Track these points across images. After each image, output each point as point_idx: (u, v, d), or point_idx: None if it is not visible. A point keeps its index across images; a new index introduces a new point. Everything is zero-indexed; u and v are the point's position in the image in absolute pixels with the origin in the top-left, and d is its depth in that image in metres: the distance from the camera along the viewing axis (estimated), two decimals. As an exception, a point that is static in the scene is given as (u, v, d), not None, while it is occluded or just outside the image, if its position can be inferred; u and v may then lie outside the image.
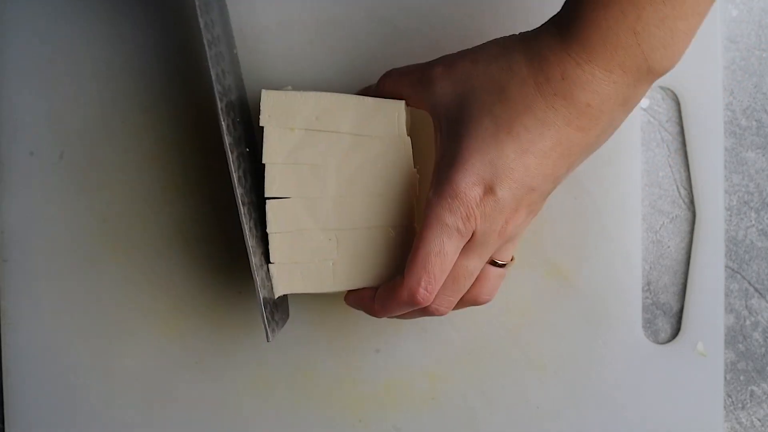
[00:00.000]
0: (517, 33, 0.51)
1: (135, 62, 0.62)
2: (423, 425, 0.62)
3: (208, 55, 0.54)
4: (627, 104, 0.49)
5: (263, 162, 0.55)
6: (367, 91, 0.57)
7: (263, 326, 0.54)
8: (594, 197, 0.61)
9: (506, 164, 0.49)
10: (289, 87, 0.57)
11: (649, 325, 0.63)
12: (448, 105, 0.51)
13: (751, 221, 0.63)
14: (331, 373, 0.62)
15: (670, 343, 0.62)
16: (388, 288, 0.53)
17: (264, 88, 0.55)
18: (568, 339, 0.62)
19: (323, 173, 0.55)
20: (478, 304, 0.55)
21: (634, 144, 0.62)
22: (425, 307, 0.52)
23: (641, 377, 0.62)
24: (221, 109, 0.54)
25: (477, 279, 0.53)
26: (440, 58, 0.53)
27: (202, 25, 0.54)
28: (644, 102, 0.62)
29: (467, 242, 0.50)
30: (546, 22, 0.49)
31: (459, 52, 0.52)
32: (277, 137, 0.55)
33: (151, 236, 0.62)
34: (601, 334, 0.62)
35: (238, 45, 0.62)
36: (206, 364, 0.62)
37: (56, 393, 0.63)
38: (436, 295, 0.52)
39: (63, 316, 0.63)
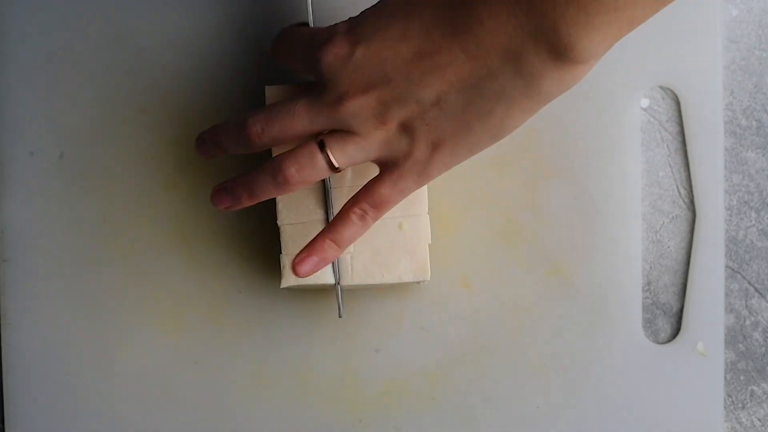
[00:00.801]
0: None
1: (135, 62, 0.62)
2: (423, 425, 0.62)
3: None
4: (520, 62, 0.45)
5: (272, 157, 0.55)
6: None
7: (337, 302, 0.56)
8: (594, 197, 0.61)
9: (374, 32, 0.48)
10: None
11: (649, 325, 0.63)
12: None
13: (751, 221, 0.63)
14: (331, 373, 0.62)
15: (670, 343, 0.62)
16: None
17: (266, 85, 0.56)
18: (568, 339, 0.62)
19: None
20: (276, 175, 0.52)
21: (634, 144, 0.62)
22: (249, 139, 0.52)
23: (641, 377, 0.62)
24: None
25: (293, 150, 0.52)
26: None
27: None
28: (644, 102, 0.62)
29: (315, 85, 0.50)
30: None
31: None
32: None
33: (151, 236, 0.62)
34: (601, 334, 0.62)
35: (237, 45, 0.62)
36: (206, 364, 0.62)
37: (56, 393, 0.63)
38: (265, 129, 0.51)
39: (63, 316, 0.63)
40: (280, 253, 0.57)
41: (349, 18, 0.51)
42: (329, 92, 0.50)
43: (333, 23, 0.51)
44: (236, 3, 0.62)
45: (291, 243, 0.56)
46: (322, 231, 0.54)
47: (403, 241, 0.56)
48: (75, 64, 0.62)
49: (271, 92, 0.56)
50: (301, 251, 0.54)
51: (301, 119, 0.51)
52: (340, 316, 0.56)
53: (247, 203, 0.54)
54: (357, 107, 0.49)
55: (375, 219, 0.52)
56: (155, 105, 0.62)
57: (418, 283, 0.58)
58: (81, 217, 0.63)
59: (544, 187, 0.61)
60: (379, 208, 0.52)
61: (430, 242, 0.57)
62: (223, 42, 0.62)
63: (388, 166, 0.51)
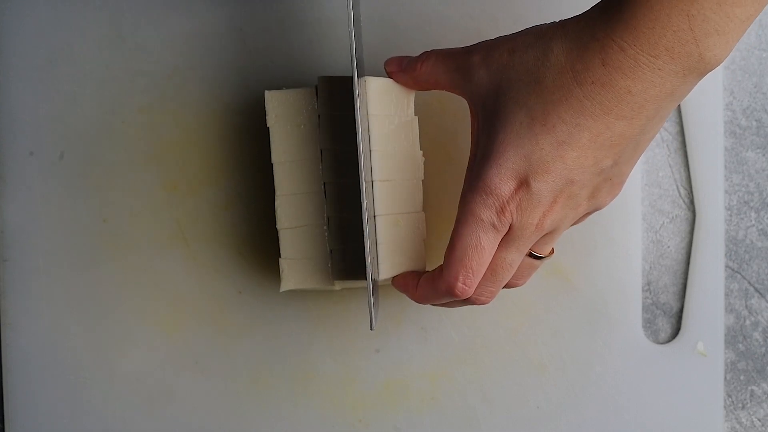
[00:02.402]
0: (557, 20, 0.49)
1: (135, 62, 0.62)
2: (423, 425, 0.62)
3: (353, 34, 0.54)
4: (674, 95, 0.47)
5: (272, 162, 0.56)
6: (399, 68, 0.56)
7: (369, 314, 0.54)
8: (594, 197, 0.61)
9: (541, 157, 0.47)
10: (283, 88, 0.57)
11: (649, 325, 0.63)
12: (485, 96, 0.50)
13: (751, 221, 0.63)
14: (331, 373, 0.62)
15: (670, 343, 0.62)
16: (429, 279, 0.53)
17: (266, 90, 0.56)
18: (568, 339, 0.62)
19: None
20: (511, 288, 0.55)
21: (634, 144, 0.62)
22: (468, 299, 0.52)
23: (641, 377, 0.62)
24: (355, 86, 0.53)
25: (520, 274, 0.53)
26: (479, 44, 0.51)
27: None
28: (644, 102, 0.62)
29: (505, 235, 0.50)
30: (591, 8, 0.48)
31: (497, 40, 0.50)
32: (284, 136, 0.56)
33: (151, 236, 0.62)
34: (601, 334, 0.62)
35: (237, 45, 0.62)
36: (206, 364, 0.62)
37: (56, 393, 0.63)
38: (477, 286, 0.51)
39: (63, 316, 0.63)
40: (279, 256, 0.57)
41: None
42: (518, 230, 0.50)
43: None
44: (236, 3, 0.62)
45: (290, 247, 0.56)
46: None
47: (398, 237, 0.56)
48: (75, 64, 0.62)
49: (270, 97, 0.56)
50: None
51: (512, 260, 0.51)
52: (372, 329, 0.55)
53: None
54: (552, 223, 0.50)
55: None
56: (155, 105, 0.62)
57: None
58: (81, 217, 0.63)
59: (544, 187, 0.61)
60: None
61: (425, 237, 0.56)
62: (223, 42, 0.62)
63: None
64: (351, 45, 0.51)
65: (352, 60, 0.51)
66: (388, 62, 0.55)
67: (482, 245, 0.49)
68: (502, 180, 0.48)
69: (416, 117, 0.56)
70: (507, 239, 0.50)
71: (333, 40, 0.61)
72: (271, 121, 0.56)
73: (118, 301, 0.62)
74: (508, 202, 0.48)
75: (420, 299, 0.54)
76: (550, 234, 0.51)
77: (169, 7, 0.62)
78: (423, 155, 0.56)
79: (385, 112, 0.55)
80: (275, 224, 0.57)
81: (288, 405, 0.62)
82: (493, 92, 0.49)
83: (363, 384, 0.62)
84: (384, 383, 0.62)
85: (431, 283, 0.52)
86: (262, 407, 0.62)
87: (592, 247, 0.61)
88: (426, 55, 0.54)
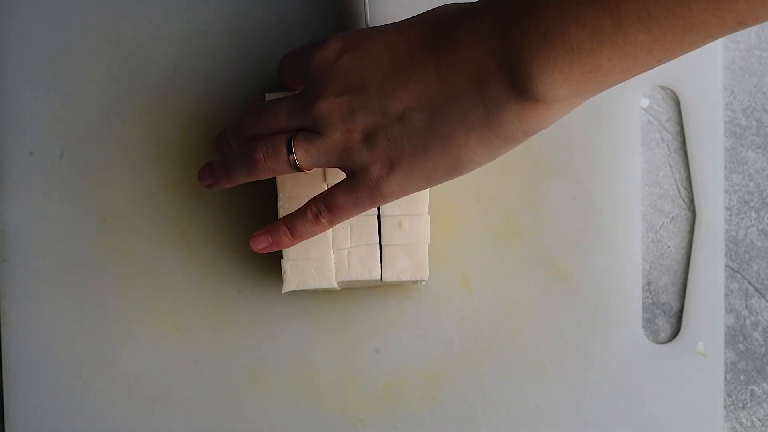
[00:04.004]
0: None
1: (135, 62, 0.62)
2: (423, 425, 0.62)
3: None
4: (480, 88, 0.45)
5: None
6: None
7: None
8: (594, 197, 0.61)
9: (364, 34, 0.49)
10: (284, 88, 0.57)
11: (649, 325, 0.63)
12: None
13: (751, 221, 0.63)
14: (331, 373, 0.62)
15: (670, 343, 0.62)
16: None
17: (267, 91, 0.56)
18: (568, 339, 0.62)
19: None
20: (246, 157, 0.53)
21: (634, 144, 0.62)
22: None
23: (641, 377, 0.61)
24: None
25: (266, 137, 0.52)
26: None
27: None
28: (644, 102, 0.62)
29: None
30: None
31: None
32: None
33: (151, 236, 0.62)
34: (601, 334, 0.62)
35: (237, 45, 0.62)
36: (206, 364, 0.62)
37: (56, 393, 0.63)
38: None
39: (63, 316, 0.63)
40: (281, 258, 0.57)
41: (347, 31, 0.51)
42: (309, 91, 0.50)
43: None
44: (236, 3, 0.62)
45: (292, 248, 0.56)
46: (284, 216, 0.54)
47: (402, 239, 0.56)
48: (75, 64, 0.62)
49: (271, 99, 0.56)
50: (261, 229, 0.55)
51: (282, 115, 0.52)
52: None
53: (227, 184, 0.55)
54: (327, 108, 0.49)
55: (330, 222, 0.52)
56: (155, 105, 0.62)
57: (417, 282, 0.58)
58: (81, 217, 0.63)
59: (544, 186, 0.61)
60: (334, 213, 0.51)
61: (429, 242, 0.57)
62: (223, 42, 0.62)
63: (347, 175, 0.51)
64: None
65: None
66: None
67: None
68: (334, 36, 0.51)
69: None
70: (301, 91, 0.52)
71: (333, 40, 0.61)
72: None
73: (118, 301, 0.62)
74: (326, 50, 0.51)
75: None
76: (310, 139, 0.51)
77: (169, 7, 0.62)
78: None
79: None
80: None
81: (288, 405, 0.62)
82: None
83: (363, 384, 0.62)
84: (384, 383, 0.62)
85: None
86: (262, 407, 0.62)
87: (592, 247, 0.61)
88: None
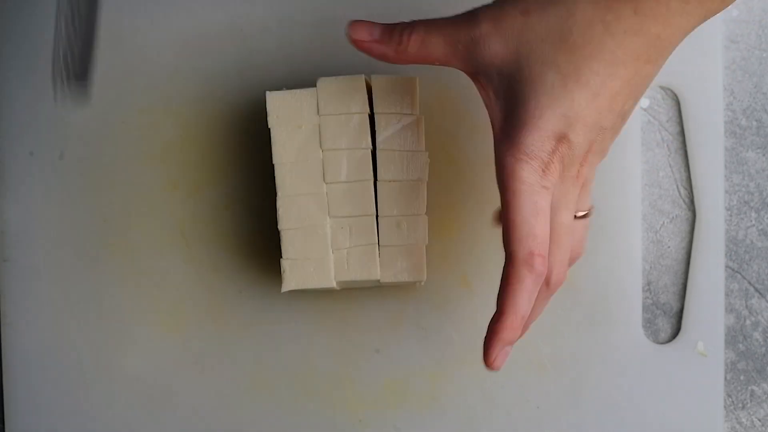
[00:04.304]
0: None
1: (135, 62, 0.62)
2: (423, 425, 0.62)
3: None
4: (688, 35, 0.47)
5: (273, 163, 0.56)
6: (371, 37, 0.52)
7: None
8: (594, 197, 0.61)
9: (578, 112, 0.47)
10: (284, 88, 0.57)
11: (649, 325, 0.63)
12: (500, 65, 0.49)
13: (751, 221, 0.63)
14: (331, 373, 0.62)
15: (670, 343, 0.62)
16: (504, 295, 0.50)
17: (267, 90, 0.56)
18: (568, 339, 0.62)
19: (334, 160, 0.55)
20: (575, 261, 0.54)
21: (634, 144, 0.61)
22: (547, 280, 0.50)
23: (641, 377, 0.61)
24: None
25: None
26: (480, 13, 0.49)
27: None
28: (644, 102, 0.62)
29: (552, 199, 0.49)
30: None
31: (501, 5, 0.49)
32: (286, 137, 0.56)
33: (151, 236, 0.62)
34: (601, 334, 0.62)
35: (237, 45, 0.62)
36: (206, 364, 0.62)
37: (56, 393, 0.63)
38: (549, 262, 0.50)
39: (63, 316, 0.63)
40: (281, 257, 0.57)
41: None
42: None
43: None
44: (236, 3, 0.62)
45: (291, 247, 0.56)
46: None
47: (400, 240, 0.56)
48: (75, 64, 0.62)
49: (272, 98, 0.56)
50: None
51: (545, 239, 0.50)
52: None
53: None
54: (590, 168, 0.50)
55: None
56: (155, 105, 0.62)
57: (416, 283, 0.58)
58: (81, 217, 0.63)
59: (544, 187, 0.61)
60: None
61: (426, 243, 0.56)
62: (223, 42, 0.62)
63: None
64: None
65: None
66: (353, 28, 0.52)
67: (540, 207, 0.48)
68: (543, 142, 0.47)
69: (422, 116, 0.56)
70: (554, 201, 0.49)
71: (333, 40, 0.61)
72: (272, 121, 0.56)
73: (118, 301, 0.62)
74: (551, 160, 0.48)
75: (507, 327, 0.52)
76: (584, 186, 0.51)
77: (169, 7, 0.62)
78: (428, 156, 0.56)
79: (389, 111, 0.55)
80: (276, 224, 0.57)
81: (288, 405, 0.62)
82: (511, 59, 0.48)
83: (363, 384, 0.62)
84: (384, 383, 0.62)
85: (507, 291, 0.50)
86: (262, 407, 0.62)
87: (592, 247, 0.61)
88: (413, 27, 0.51)
